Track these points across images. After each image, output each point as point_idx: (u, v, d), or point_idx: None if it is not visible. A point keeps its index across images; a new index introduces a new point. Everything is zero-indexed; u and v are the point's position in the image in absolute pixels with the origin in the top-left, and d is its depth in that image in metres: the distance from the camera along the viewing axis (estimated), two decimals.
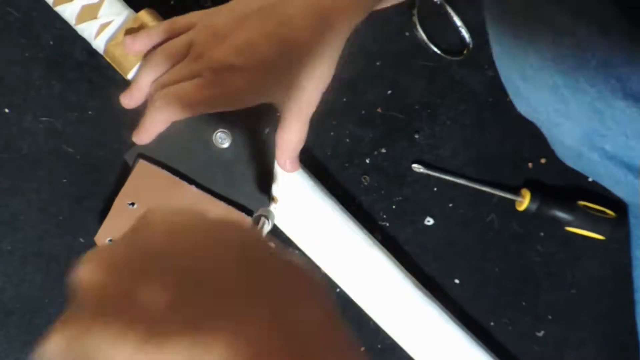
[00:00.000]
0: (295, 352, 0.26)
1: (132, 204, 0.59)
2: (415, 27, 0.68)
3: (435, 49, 0.68)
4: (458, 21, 0.69)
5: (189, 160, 0.58)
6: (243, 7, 0.54)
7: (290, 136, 0.54)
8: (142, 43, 0.58)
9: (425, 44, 0.68)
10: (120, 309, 0.26)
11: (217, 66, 0.52)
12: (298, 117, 0.53)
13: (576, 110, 0.54)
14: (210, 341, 0.25)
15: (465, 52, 0.69)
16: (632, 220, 0.63)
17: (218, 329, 0.25)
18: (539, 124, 0.60)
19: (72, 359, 0.26)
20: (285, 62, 0.51)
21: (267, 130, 0.58)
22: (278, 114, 0.55)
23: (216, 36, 0.53)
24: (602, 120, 0.54)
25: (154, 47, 0.58)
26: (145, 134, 0.55)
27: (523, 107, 0.60)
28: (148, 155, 0.58)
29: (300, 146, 0.55)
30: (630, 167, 0.56)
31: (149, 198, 0.59)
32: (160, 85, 0.55)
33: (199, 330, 0.25)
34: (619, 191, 0.60)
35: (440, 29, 0.69)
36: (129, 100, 0.57)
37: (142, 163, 0.58)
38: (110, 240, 0.59)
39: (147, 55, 0.59)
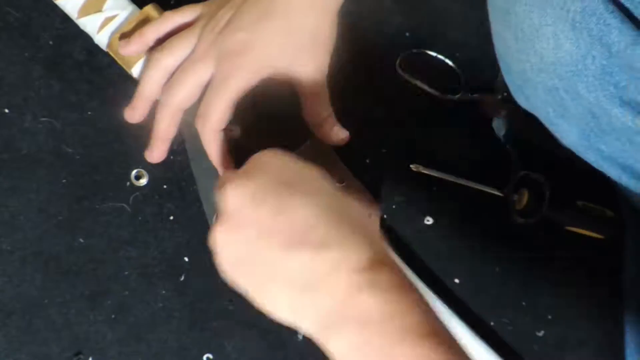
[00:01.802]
0: None
1: None
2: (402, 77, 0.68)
3: (432, 91, 0.68)
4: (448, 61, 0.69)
5: None
6: None
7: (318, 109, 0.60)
8: (136, 46, 0.61)
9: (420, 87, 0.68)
10: None
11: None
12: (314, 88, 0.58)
13: (574, 113, 0.54)
14: None
15: (459, 93, 0.68)
16: (628, 223, 0.63)
17: None
18: (539, 119, 0.60)
19: None
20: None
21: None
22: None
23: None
24: (598, 125, 0.54)
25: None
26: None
27: (523, 104, 0.60)
28: None
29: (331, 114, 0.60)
30: (624, 168, 0.56)
31: None
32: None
33: None
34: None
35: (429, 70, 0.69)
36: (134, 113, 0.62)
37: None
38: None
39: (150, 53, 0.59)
